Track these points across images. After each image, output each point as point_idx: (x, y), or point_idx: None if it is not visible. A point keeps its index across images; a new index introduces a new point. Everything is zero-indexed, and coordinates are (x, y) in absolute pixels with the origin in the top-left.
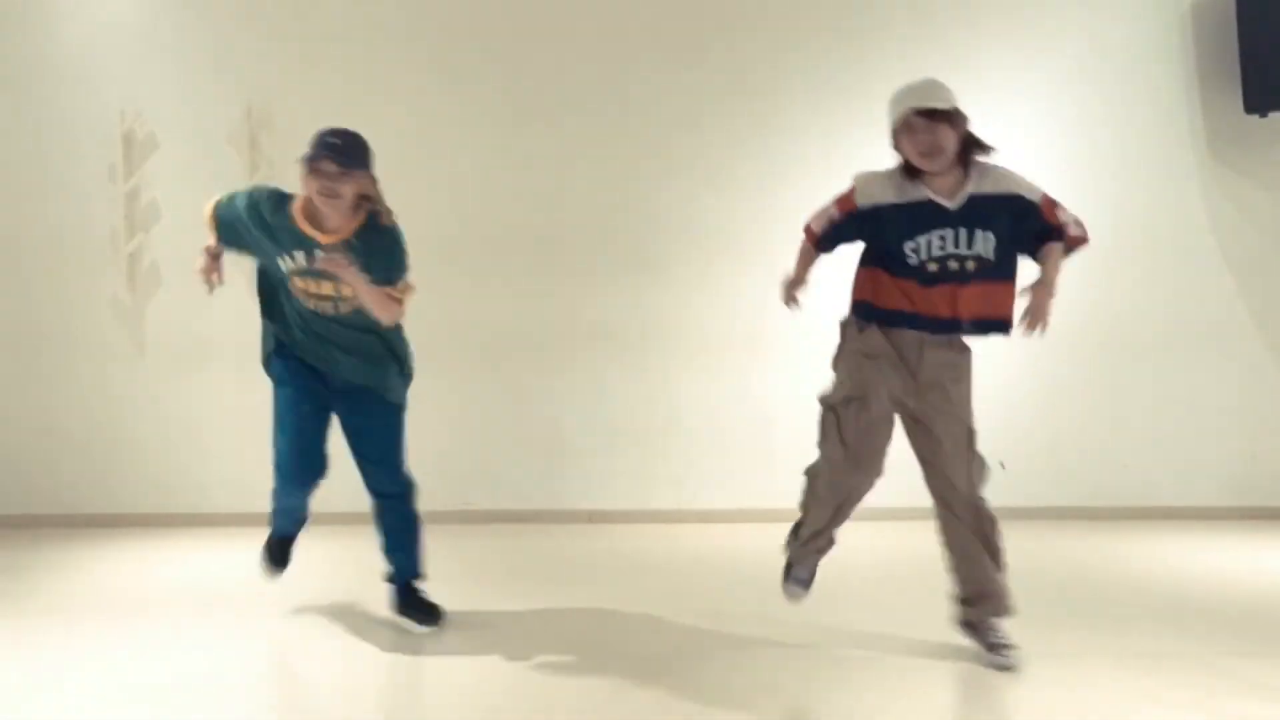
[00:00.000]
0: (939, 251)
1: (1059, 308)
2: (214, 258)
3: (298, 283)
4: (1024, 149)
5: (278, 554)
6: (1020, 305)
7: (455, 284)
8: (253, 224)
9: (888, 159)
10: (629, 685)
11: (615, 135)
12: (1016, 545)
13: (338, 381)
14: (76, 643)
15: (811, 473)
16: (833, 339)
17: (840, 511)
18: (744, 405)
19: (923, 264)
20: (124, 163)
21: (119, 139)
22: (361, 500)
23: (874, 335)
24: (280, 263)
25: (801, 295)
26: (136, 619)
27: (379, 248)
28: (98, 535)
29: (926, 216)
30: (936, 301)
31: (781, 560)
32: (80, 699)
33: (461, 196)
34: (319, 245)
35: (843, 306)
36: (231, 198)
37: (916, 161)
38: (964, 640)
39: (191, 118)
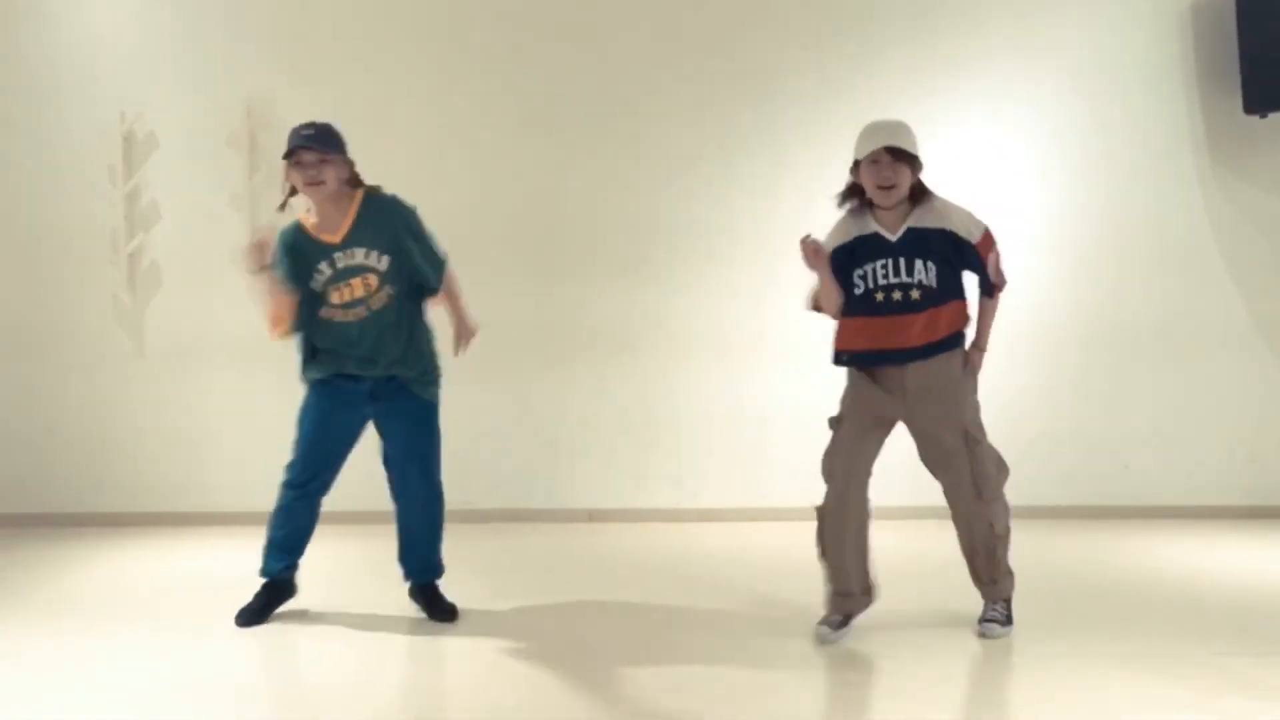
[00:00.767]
0: (883, 280)
1: (1059, 307)
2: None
3: (331, 297)
4: (1024, 151)
5: (262, 603)
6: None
7: None
8: (285, 258)
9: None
10: (629, 684)
11: (615, 136)
12: (1017, 545)
13: (378, 385)
14: (76, 642)
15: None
16: (831, 338)
17: (842, 541)
18: (743, 405)
19: (870, 293)
20: (124, 163)
21: (119, 139)
22: (363, 500)
23: (856, 373)
24: (313, 284)
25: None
26: (137, 619)
27: (391, 211)
28: (98, 535)
29: (870, 247)
30: (895, 334)
31: (785, 558)
32: (81, 699)
33: (461, 197)
34: (335, 247)
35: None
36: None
37: (872, 192)
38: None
39: (191, 118)
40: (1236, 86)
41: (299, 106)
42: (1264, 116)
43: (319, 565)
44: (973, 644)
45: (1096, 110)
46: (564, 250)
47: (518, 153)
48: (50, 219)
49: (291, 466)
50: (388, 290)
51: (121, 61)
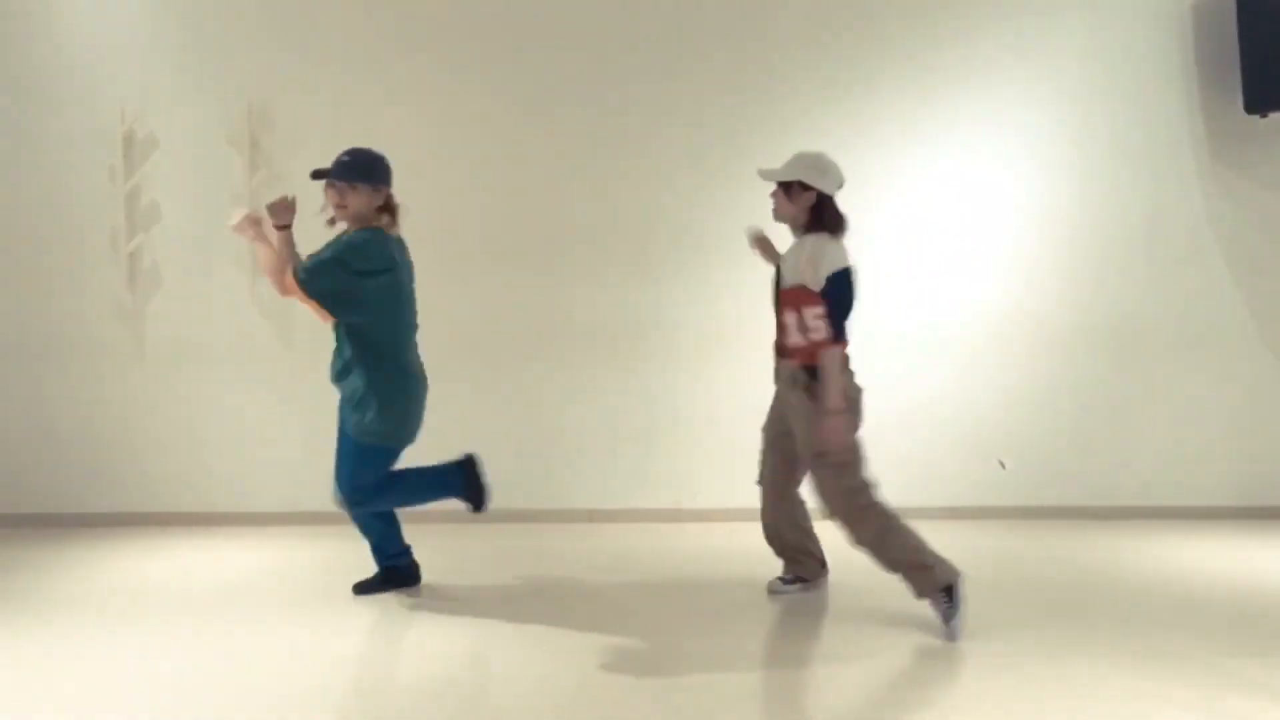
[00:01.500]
0: None
1: (1059, 307)
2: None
3: None
4: (1024, 150)
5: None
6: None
7: (454, 285)
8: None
9: (885, 161)
10: (628, 684)
11: (614, 136)
12: (1017, 545)
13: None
14: (76, 642)
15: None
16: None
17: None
18: (743, 405)
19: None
20: (124, 163)
21: (119, 139)
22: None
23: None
24: None
25: None
26: (137, 618)
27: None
28: (98, 535)
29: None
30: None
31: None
32: (81, 698)
33: (461, 197)
34: None
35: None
36: None
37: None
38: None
39: (191, 118)
40: (1237, 86)
41: (299, 106)
42: (1264, 116)
43: (315, 565)
44: (973, 644)
45: (1097, 110)
46: (564, 250)
47: (518, 153)
48: (50, 219)
49: None
50: None
51: (122, 61)
